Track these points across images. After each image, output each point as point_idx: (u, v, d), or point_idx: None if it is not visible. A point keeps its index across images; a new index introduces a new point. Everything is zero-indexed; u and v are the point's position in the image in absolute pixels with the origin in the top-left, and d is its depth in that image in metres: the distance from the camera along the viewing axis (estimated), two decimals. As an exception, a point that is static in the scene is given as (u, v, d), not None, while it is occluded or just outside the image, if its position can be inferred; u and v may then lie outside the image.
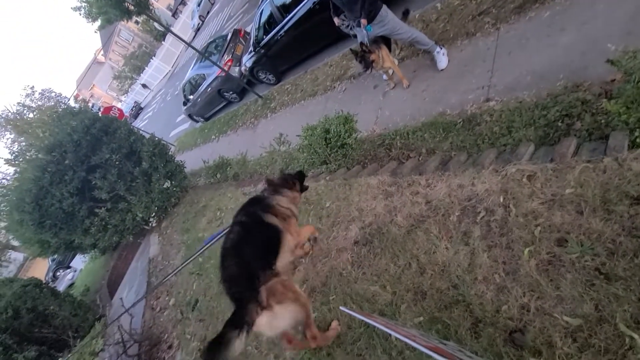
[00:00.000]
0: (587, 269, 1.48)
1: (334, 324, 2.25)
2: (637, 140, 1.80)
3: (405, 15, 4.04)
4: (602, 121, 2.19)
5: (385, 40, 3.95)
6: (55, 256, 15.26)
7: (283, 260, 2.27)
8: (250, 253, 2.00)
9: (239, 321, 1.63)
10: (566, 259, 1.56)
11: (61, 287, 13.80)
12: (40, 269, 19.32)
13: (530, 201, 1.86)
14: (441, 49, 3.85)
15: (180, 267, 2.97)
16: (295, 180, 2.57)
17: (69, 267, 16.51)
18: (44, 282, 6.59)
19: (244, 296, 1.75)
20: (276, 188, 2.46)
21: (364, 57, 3.79)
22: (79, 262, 15.21)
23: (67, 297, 6.38)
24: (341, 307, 1.41)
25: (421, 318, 1.85)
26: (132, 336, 4.15)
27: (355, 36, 4.16)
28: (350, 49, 4.02)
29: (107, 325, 4.38)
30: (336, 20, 4.02)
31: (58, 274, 16.83)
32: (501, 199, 2.00)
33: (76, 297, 6.81)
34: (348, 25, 4.04)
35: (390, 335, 1.90)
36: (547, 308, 1.50)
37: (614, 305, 1.34)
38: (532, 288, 1.58)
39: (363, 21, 3.60)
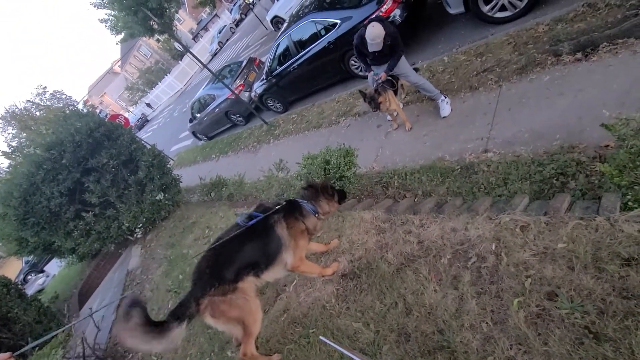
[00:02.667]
0: (576, 326, 1.44)
1: (275, 356, 2.34)
2: (629, 203, 1.83)
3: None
4: (596, 182, 2.25)
5: (391, 85, 4.14)
6: (31, 258, 14.67)
7: (274, 275, 2.30)
8: (232, 256, 2.09)
9: (182, 313, 1.94)
10: (556, 314, 1.52)
11: (30, 291, 13.13)
12: (12, 270, 18.44)
13: (522, 251, 1.85)
14: (445, 97, 4.03)
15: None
16: (334, 194, 2.58)
17: (42, 272, 15.79)
18: (13, 282, 6.27)
19: (194, 292, 2.01)
20: (316, 196, 2.47)
21: (373, 99, 3.99)
22: (54, 267, 14.59)
23: (34, 302, 6.04)
24: (321, 337, 1.34)
25: (403, 361, 1.77)
26: (94, 351, 3.88)
27: (366, 77, 4.37)
28: (359, 90, 4.20)
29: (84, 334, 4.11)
30: (369, 76, 4.28)
31: (29, 277, 16.07)
32: (493, 247, 1.99)
33: (43, 303, 6.44)
34: (360, 69, 4.30)
35: (368, 376, 1.80)
36: (534, 364, 1.44)
37: (602, 367, 1.30)
38: (520, 341, 1.53)
39: (382, 75, 3.90)
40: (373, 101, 3.99)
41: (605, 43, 3.12)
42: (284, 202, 2.37)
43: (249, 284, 2.12)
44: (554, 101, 3.15)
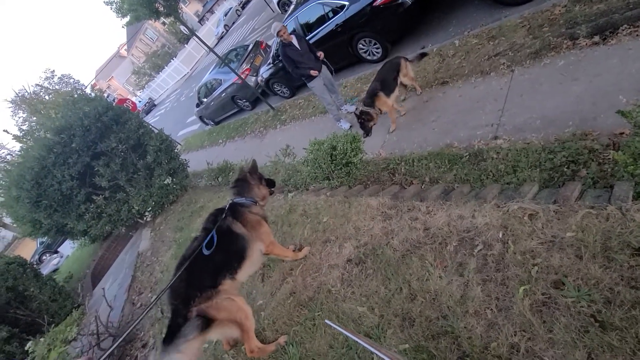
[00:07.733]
0: (582, 314, 1.44)
1: (282, 338, 2.38)
2: (642, 192, 1.79)
3: (422, 56, 4.33)
4: (608, 170, 2.20)
5: (382, 86, 4.04)
6: (45, 239, 15.11)
7: (247, 271, 2.38)
8: (202, 266, 2.08)
9: (175, 332, 1.87)
10: (561, 302, 1.52)
11: (45, 271, 13.57)
12: (27, 250, 19.04)
13: (529, 240, 1.84)
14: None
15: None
16: (262, 179, 2.74)
17: (56, 252, 16.28)
18: (28, 262, 6.48)
19: (177, 312, 1.96)
20: (246, 187, 2.60)
21: (363, 124, 4.23)
22: (67, 248, 15.02)
23: (49, 281, 6.25)
24: (326, 320, 1.37)
25: (407, 345, 1.80)
26: (107, 329, 4.03)
27: (375, 61, 4.34)
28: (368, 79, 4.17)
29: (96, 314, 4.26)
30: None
31: (44, 257, 16.59)
32: (500, 235, 1.98)
33: (58, 282, 6.67)
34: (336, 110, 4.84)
35: (373, 358, 1.84)
36: (538, 351, 1.45)
37: (607, 355, 1.30)
38: (524, 328, 1.54)
39: (320, 53, 4.76)
40: (364, 126, 4.29)
41: (625, 25, 3.00)
42: (227, 207, 2.46)
43: (228, 286, 2.18)
44: (567, 87, 3.06)
